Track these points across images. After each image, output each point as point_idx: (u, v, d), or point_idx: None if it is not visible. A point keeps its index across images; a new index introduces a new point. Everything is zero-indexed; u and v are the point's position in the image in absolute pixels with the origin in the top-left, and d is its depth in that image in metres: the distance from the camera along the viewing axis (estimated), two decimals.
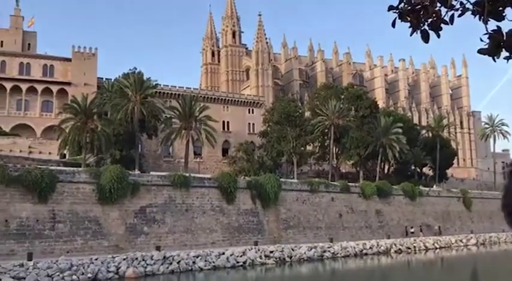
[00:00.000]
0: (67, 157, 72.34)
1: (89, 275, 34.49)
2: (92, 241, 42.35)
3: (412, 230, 68.54)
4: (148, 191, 47.50)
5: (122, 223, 44.75)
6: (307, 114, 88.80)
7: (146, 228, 45.81)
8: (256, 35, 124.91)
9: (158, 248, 42.43)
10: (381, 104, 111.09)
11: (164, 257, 39.84)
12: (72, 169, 47.28)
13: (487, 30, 3.04)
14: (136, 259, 38.54)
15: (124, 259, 37.90)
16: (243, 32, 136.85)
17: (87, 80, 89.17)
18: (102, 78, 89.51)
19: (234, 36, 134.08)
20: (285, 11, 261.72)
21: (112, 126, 64.77)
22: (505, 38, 2.99)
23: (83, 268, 34.96)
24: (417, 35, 3.44)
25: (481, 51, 3.06)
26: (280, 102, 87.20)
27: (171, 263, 39.47)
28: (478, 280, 44.43)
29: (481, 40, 3.06)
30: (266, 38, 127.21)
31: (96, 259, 37.05)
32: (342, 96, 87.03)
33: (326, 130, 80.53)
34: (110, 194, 44.19)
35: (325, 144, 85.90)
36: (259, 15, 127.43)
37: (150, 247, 43.81)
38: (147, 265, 38.35)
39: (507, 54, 3.11)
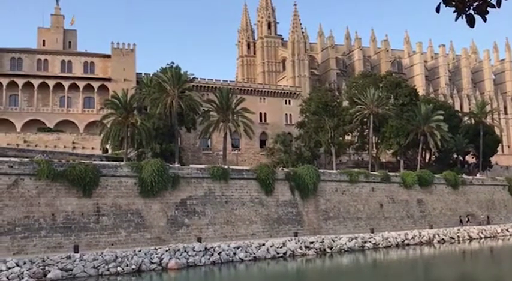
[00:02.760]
0: (109, 151, 73.97)
1: (133, 266, 35.27)
2: (134, 233, 43.22)
3: (467, 219, 67.77)
4: (188, 184, 48.09)
5: (164, 215, 45.51)
6: (345, 103, 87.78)
7: (187, 220, 46.45)
8: (291, 25, 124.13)
9: (199, 240, 42.98)
10: (420, 91, 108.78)
11: (205, 248, 40.32)
12: (114, 163, 48.28)
13: None
14: (179, 250, 39.14)
15: (166, 251, 38.54)
16: (278, 23, 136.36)
17: (127, 76, 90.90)
18: (141, 73, 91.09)
19: (269, 27, 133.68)
20: (321, 0, 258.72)
21: (152, 120, 65.84)
22: None
23: (127, 259, 35.77)
24: (459, 20, 3.33)
25: None
26: (317, 92, 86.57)
27: (212, 255, 39.91)
28: None
29: None
30: (302, 28, 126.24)
31: (139, 251, 37.81)
32: (381, 85, 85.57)
33: (365, 119, 79.42)
34: (151, 187, 44.95)
35: (364, 133, 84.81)
36: (295, 5, 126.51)
37: (191, 239, 44.43)
38: (189, 256, 38.89)
39: None
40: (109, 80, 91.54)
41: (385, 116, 78.04)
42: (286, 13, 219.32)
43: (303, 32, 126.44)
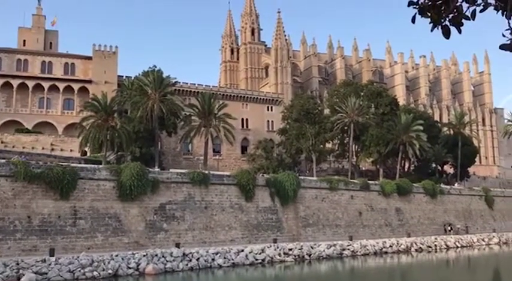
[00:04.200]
0: (88, 154, 73.16)
1: (110, 271, 34.85)
2: (112, 238, 42.75)
3: (450, 228, 68.59)
4: (168, 188, 47.77)
5: (142, 220, 45.11)
6: (327, 111, 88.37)
7: (166, 225, 46.10)
8: (275, 32, 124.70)
9: (178, 245, 42.70)
10: (401, 101, 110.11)
11: (184, 254, 40.06)
12: (93, 166, 47.78)
13: (509, 26, 2.97)
14: (156, 255, 38.82)
15: (144, 256, 38.19)
16: (262, 30, 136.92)
17: (108, 78, 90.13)
18: (123, 76, 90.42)
19: (253, 33, 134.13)
20: (304, 7, 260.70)
21: (132, 123, 65.36)
22: None
23: (104, 264, 35.33)
24: (438, 32, 3.37)
25: (503, 47, 2.98)
26: (299, 100, 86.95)
27: (190, 260, 39.67)
28: (501, 279, 43.68)
29: (503, 36, 2.99)
30: (285, 35, 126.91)
31: (116, 255, 37.38)
32: (362, 94, 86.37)
33: (345, 127, 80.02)
34: (130, 191, 44.56)
35: (345, 141, 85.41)
36: (278, 12, 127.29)
37: (169, 244, 44.09)
38: (167, 261, 38.60)
39: None
40: (90, 82, 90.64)
41: (365, 124, 78.73)
42: (270, 20, 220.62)
43: (286, 40, 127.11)
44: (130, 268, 36.23)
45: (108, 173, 45.19)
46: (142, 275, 36.14)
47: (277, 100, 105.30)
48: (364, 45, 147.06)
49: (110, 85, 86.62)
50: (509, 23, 2.95)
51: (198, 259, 40.03)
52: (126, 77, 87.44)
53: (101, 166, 48.13)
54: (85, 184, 43.37)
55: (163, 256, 38.96)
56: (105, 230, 42.70)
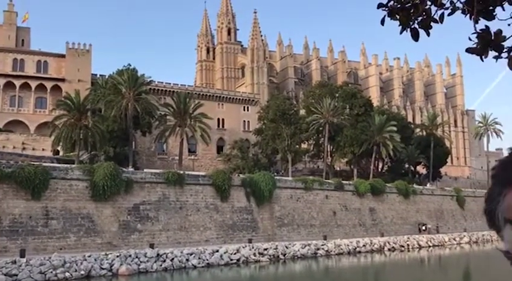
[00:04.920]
0: (60, 153, 72.04)
1: (82, 272, 34.40)
2: (85, 238, 42.21)
3: (424, 227, 69.52)
4: (142, 189, 47.38)
5: (115, 220, 44.63)
6: (302, 112, 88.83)
7: (140, 225, 45.70)
8: (251, 32, 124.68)
9: (152, 246, 42.38)
10: (375, 102, 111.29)
11: (158, 254, 39.81)
12: (65, 165, 47.10)
13: (475, 30, 3.03)
14: (130, 256, 38.48)
15: (117, 256, 37.83)
16: (238, 30, 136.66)
17: (81, 77, 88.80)
18: (96, 74, 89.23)
19: (229, 33, 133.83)
20: (281, 8, 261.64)
21: (106, 123, 64.56)
22: (493, 37, 2.97)
23: (76, 265, 34.86)
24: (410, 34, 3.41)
25: (469, 50, 3.04)
26: (275, 100, 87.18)
27: (164, 261, 39.44)
28: (471, 277, 44.62)
29: (470, 39, 3.05)
30: (261, 36, 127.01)
31: (89, 256, 36.93)
32: (337, 95, 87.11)
33: (321, 128, 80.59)
34: (103, 191, 44.05)
35: (320, 142, 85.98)
36: (255, 12, 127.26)
37: (143, 245, 43.73)
38: (141, 262, 38.30)
39: (496, 53, 3.10)
40: (63, 80, 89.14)
41: (340, 125, 79.46)
42: (246, 20, 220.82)
43: (262, 40, 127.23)
44: (103, 268, 35.82)
45: (81, 172, 44.60)
46: (115, 276, 35.79)
47: (253, 100, 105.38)
48: (340, 46, 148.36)
49: (83, 84, 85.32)
50: (475, 27, 3.01)
51: (172, 260, 39.81)
52: (100, 75, 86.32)
53: (73, 166, 47.48)
54: (57, 184, 42.71)
55: (137, 257, 38.65)
56: (77, 230, 42.12)
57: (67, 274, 33.53)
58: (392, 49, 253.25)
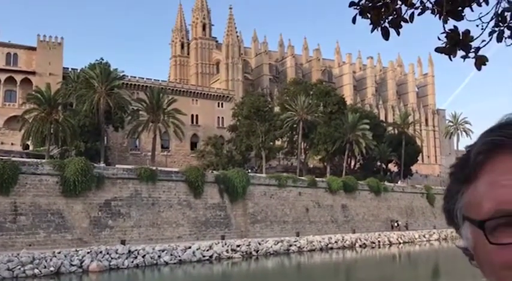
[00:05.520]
0: (30, 148, 70.70)
1: (51, 268, 33.86)
2: (54, 234, 41.54)
3: (396, 224, 70.73)
4: (114, 184, 46.85)
5: (86, 216, 44.05)
6: (277, 109, 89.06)
7: (111, 221, 45.20)
8: (226, 28, 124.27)
9: (123, 242, 42.00)
10: (348, 100, 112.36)
11: (129, 251, 39.46)
12: (35, 160, 46.19)
13: (444, 29, 3.07)
14: (101, 252, 38.07)
15: (88, 253, 37.39)
16: (213, 25, 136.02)
17: (53, 70, 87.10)
18: (68, 68, 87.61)
19: (204, 28, 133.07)
20: (256, 5, 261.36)
21: (77, 117, 63.67)
22: (461, 37, 3.02)
23: (45, 261, 34.31)
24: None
25: (438, 50, 3.08)
26: (250, 97, 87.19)
27: (136, 257, 39.12)
28: (440, 273, 45.54)
29: (439, 39, 3.09)
30: (237, 32, 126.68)
31: (59, 253, 36.39)
32: (311, 92, 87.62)
33: (295, 125, 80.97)
34: (74, 186, 43.41)
35: (294, 139, 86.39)
36: (230, 8, 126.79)
37: (114, 241, 43.28)
38: (112, 258, 37.92)
39: (464, 53, 3.15)
40: (33, 73, 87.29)
41: (314, 123, 79.98)
42: (221, 16, 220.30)
43: (237, 36, 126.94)
44: (73, 265, 35.34)
45: (51, 168, 43.85)
46: (85, 273, 35.38)
47: (227, 97, 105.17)
48: (315, 45, 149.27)
49: (54, 77, 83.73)
50: (444, 27, 3.05)
51: (143, 256, 39.52)
52: (72, 69, 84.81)
53: (43, 161, 46.62)
54: (27, 179, 41.89)
55: (108, 253, 38.25)
56: (47, 226, 41.41)
57: (36, 271, 32.95)
58: (366, 48, 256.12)
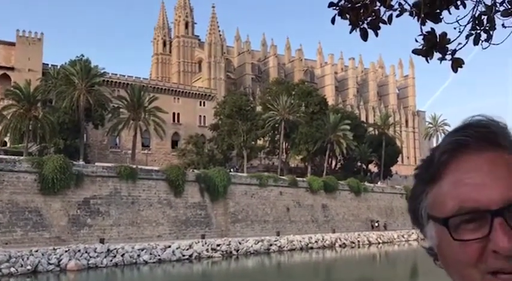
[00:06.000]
0: (8, 145, 69.69)
1: (28, 267, 33.39)
2: (32, 232, 40.98)
3: (377, 224, 71.27)
4: (93, 183, 46.39)
5: (65, 214, 43.54)
6: (259, 108, 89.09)
7: (90, 220, 44.76)
8: (209, 26, 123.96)
9: (102, 241, 41.62)
10: (330, 101, 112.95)
11: (108, 250, 39.12)
12: (13, 157, 45.50)
13: (421, 31, 3.09)
14: (79, 251, 37.68)
15: (66, 251, 36.98)
16: (196, 23, 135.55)
17: (32, 66, 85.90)
18: (48, 64, 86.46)
19: (186, 27, 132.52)
20: (239, 4, 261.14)
21: (56, 114, 62.91)
22: (438, 39, 3.04)
23: (22, 259, 33.82)
24: (370, 35, 3.44)
25: (415, 51, 3.10)
26: (232, 96, 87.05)
27: (115, 256, 38.79)
28: (418, 272, 46.07)
29: (416, 41, 3.11)
30: (219, 31, 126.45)
31: (36, 251, 35.91)
32: (293, 92, 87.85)
33: (276, 125, 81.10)
34: (53, 184, 42.87)
35: (275, 139, 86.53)
36: (213, 7, 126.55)
37: (93, 240, 42.87)
38: (90, 257, 37.55)
39: (441, 55, 3.17)
40: (12, 69, 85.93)
41: (296, 122, 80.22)
42: (204, 14, 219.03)
43: (220, 35, 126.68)
44: (51, 264, 34.90)
45: (30, 165, 43.25)
46: (63, 272, 34.97)
47: (209, 95, 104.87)
48: (297, 45, 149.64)
49: (34, 73, 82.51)
50: (421, 29, 3.07)
51: (123, 255, 39.20)
52: (52, 65, 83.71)
53: (21, 158, 45.96)
54: (4, 176, 41.25)
55: (86, 252, 37.87)
56: (24, 224, 40.83)
57: (12, 269, 32.45)
58: (348, 49, 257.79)
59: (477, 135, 0.91)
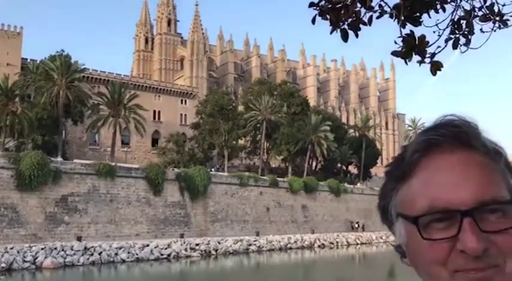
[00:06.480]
0: None
1: (3, 265, 32.84)
2: (7, 229, 40.36)
3: (357, 225, 71.85)
4: (71, 180, 45.83)
5: (42, 212, 42.93)
6: (241, 108, 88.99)
7: (67, 217, 44.20)
8: (192, 24, 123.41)
9: (79, 239, 41.18)
10: (312, 102, 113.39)
11: (85, 248, 38.70)
12: None
13: (401, 34, 3.09)
14: (55, 249, 37.20)
15: (42, 249, 36.47)
16: (178, 21, 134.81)
17: (11, 60, 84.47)
18: (27, 59, 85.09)
19: (169, 24, 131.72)
20: (222, 3, 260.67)
21: (35, 109, 61.99)
22: (416, 42, 3.04)
23: None
24: (351, 37, 3.43)
25: (394, 53, 3.10)
26: (214, 95, 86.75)
27: (92, 254, 38.39)
28: (395, 272, 46.53)
29: (395, 43, 3.11)
30: (202, 29, 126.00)
31: (11, 248, 35.35)
32: (275, 93, 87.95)
33: (258, 125, 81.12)
34: (30, 181, 42.26)
35: (257, 139, 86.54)
36: (196, 5, 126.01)
37: (70, 237, 42.38)
38: (67, 255, 37.10)
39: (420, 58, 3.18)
40: None
41: (277, 123, 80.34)
42: (187, 12, 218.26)
43: (203, 33, 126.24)
44: (26, 261, 34.38)
45: (6, 160, 42.65)
46: (39, 269, 34.46)
47: (191, 94, 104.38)
48: (280, 45, 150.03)
49: (12, 68, 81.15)
50: (401, 31, 3.07)
51: (100, 253, 38.81)
52: (31, 60, 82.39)
53: None
54: None
55: (63, 250, 37.41)
56: None
57: None
58: (331, 51, 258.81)
59: (449, 135, 0.91)
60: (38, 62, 76.22)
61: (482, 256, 0.85)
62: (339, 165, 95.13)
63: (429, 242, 0.88)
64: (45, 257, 35.43)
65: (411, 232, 0.93)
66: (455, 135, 0.91)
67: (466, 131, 0.91)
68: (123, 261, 39.46)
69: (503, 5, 3.29)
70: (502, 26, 3.28)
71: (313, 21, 3.30)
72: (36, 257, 35.29)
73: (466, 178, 0.88)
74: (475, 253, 0.84)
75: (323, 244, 61.14)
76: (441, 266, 0.88)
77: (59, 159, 50.84)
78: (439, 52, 3.21)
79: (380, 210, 1.05)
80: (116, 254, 39.82)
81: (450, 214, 0.87)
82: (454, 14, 3.39)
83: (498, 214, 0.87)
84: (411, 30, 3.10)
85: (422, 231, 0.89)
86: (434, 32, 3.34)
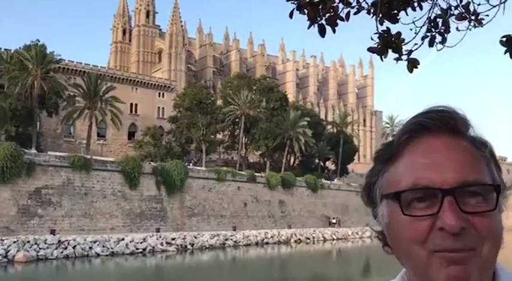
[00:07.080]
0: None
1: None
2: None
3: (334, 220, 72.50)
4: (45, 172, 45.11)
5: (14, 204, 42.18)
6: (219, 102, 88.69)
7: (41, 210, 43.52)
8: (171, 17, 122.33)
9: (53, 232, 40.61)
10: (291, 97, 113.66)
11: (59, 241, 38.20)
12: None
13: (377, 30, 3.07)
14: (28, 242, 36.64)
15: (14, 242, 35.89)
16: (157, 13, 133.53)
17: None
18: (1, 48, 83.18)
19: (147, 16, 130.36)
20: None
21: (8, 100, 60.78)
22: (392, 39, 3.03)
23: None
24: (329, 34, 3.40)
25: (370, 50, 3.08)
26: (193, 88, 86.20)
27: (66, 248, 37.91)
28: (370, 267, 47.10)
29: (372, 39, 3.09)
30: (181, 22, 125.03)
31: None
32: (254, 87, 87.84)
33: (237, 120, 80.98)
34: (2, 173, 41.52)
35: (235, 133, 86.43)
36: None
37: (44, 231, 41.75)
38: (40, 249, 36.56)
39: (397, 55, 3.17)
40: None
41: (256, 118, 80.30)
42: (166, 4, 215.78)
43: (182, 26, 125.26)
44: None
45: None
46: (11, 263, 33.87)
47: (169, 87, 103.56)
48: (260, 40, 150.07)
49: None
50: (377, 27, 3.04)
51: (74, 247, 38.36)
52: (5, 49, 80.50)
53: None
54: None
55: (36, 243, 36.86)
56: None
57: None
58: (310, 47, 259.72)
59: (438, 119, 0.95)
60: (12, 51, 74.62)
61: (459, 235, 0.87)
62: (317, 161, 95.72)
63: (410, 219, 0.91)
64: (18, 251, 34.89)
65: (394, 210, 0.95)
66: (443, 120, 0.95)
67: (455, 118, 0.96)
68: (98, 255, 39.08)
69: (478, 5, 3.30)
70: (477, 25, 3.29)
71: (291, 15, 3.26)
72: (8, 251, 34.73)
73: (450, 159, 0.92)
74: (452, 229, 0.86)
75: (299, 239, 61.49)
76: (420, 245, 0.90)
77: (33, 151, 49.99)
78: (415, 50, 3.21)
79: (365, 191, 1.07)
80: (91, 248, 39.42)
81: (432, 192, 0.90)
82: (431, 12, 3.39)
83: (479, 198, 0.90)
84: (388, 27, 3.09)
85: (405, 209, 0.91)
86: (411, 29, 3.34)
